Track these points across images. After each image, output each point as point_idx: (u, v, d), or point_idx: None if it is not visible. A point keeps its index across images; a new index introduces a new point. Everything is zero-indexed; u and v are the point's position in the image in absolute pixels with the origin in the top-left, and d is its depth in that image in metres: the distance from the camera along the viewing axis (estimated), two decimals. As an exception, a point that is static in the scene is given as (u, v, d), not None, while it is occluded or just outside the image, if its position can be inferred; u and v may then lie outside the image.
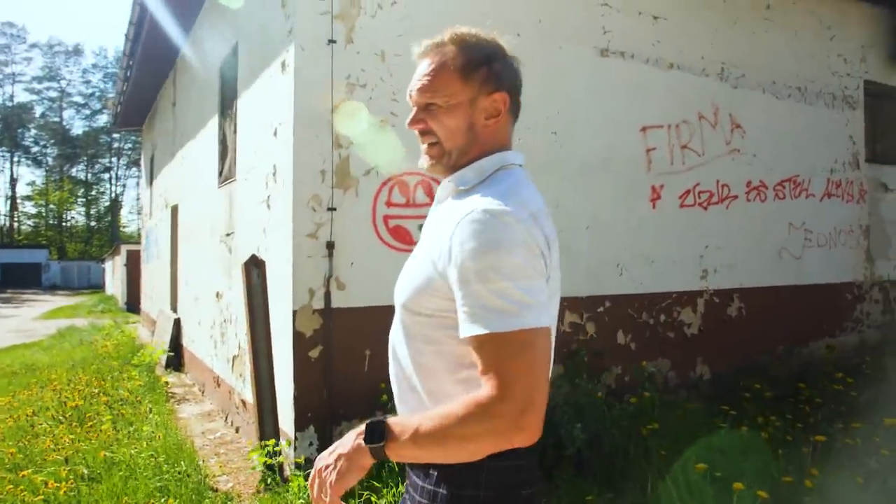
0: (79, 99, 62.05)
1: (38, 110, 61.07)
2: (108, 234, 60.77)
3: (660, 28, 5.42)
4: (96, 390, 6.43)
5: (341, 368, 4.09)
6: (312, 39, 4.06)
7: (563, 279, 1.39)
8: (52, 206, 59.41)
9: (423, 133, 1.30)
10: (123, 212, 62.82)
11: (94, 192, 62.76)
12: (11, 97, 59.87)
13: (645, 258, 5.31)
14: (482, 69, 1.26)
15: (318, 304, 4.05)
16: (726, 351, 5.69)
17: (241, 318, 5.27)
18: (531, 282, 1.11)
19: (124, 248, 22.01)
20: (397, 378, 1.31)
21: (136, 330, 12.71)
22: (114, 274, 26.03)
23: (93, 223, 62.21)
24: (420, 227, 4.59)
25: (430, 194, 4.41)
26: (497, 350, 1.08)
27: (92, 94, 62.04)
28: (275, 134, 4.36)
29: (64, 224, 61.34)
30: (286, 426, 4.07)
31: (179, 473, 4.07)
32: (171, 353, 8.04)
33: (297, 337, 3.98)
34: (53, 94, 61.22)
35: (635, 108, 5.31)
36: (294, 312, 3.99)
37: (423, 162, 1.32)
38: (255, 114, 4.95)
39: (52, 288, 43.49)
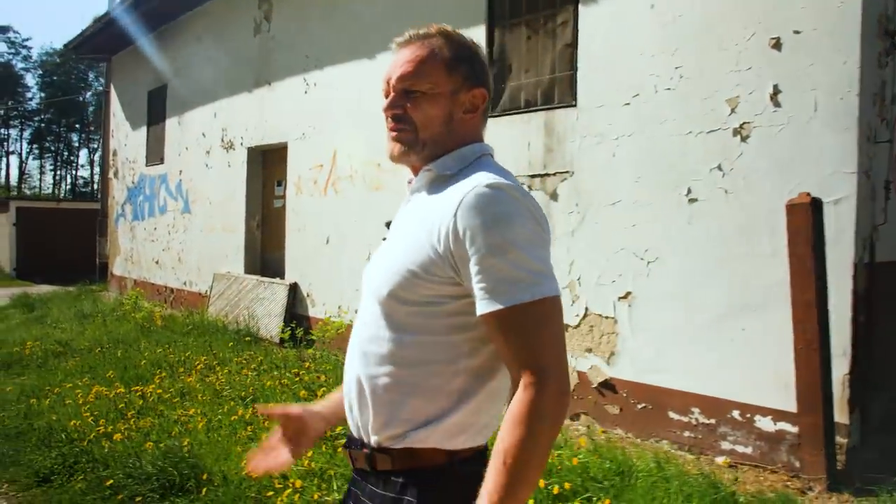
0: None
1: None
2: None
3: None
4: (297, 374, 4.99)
5: (879, 333, 3.41)
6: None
7: None
8: None
9: (398, 119, 1.23)
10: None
11: None
12: None
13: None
14: (465, 65, 1.23)
15: (867, 256, 3.31)
16: None
17: (589, 280, 4.29)
18: (544, 251, 1.08)
19: (14, 205, 18.21)
20: (378, 382, 1.15)
21: (131, 298, 10.15)
22: (-18, 237, 21.37)
23: None
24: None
25: (915, 136, 3.80)
26: (524, 322, 1.03)
27: None
28: (775, 46, 3.48)
29: None
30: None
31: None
32: (297, 327, 6.52)
33: (855, 297, 3.22)
34: None
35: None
36: (854, 266, 3.21)
37: (394, 149, 1.24)
38: (663, 22, 3.95)
39: None
